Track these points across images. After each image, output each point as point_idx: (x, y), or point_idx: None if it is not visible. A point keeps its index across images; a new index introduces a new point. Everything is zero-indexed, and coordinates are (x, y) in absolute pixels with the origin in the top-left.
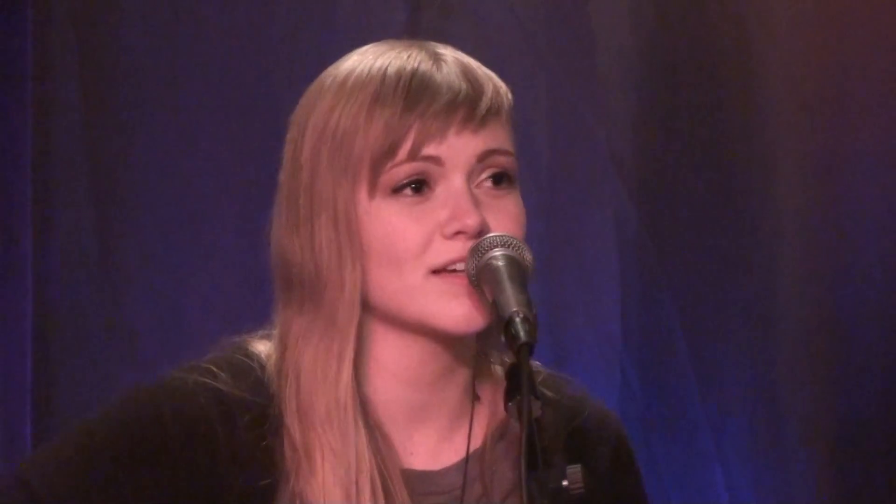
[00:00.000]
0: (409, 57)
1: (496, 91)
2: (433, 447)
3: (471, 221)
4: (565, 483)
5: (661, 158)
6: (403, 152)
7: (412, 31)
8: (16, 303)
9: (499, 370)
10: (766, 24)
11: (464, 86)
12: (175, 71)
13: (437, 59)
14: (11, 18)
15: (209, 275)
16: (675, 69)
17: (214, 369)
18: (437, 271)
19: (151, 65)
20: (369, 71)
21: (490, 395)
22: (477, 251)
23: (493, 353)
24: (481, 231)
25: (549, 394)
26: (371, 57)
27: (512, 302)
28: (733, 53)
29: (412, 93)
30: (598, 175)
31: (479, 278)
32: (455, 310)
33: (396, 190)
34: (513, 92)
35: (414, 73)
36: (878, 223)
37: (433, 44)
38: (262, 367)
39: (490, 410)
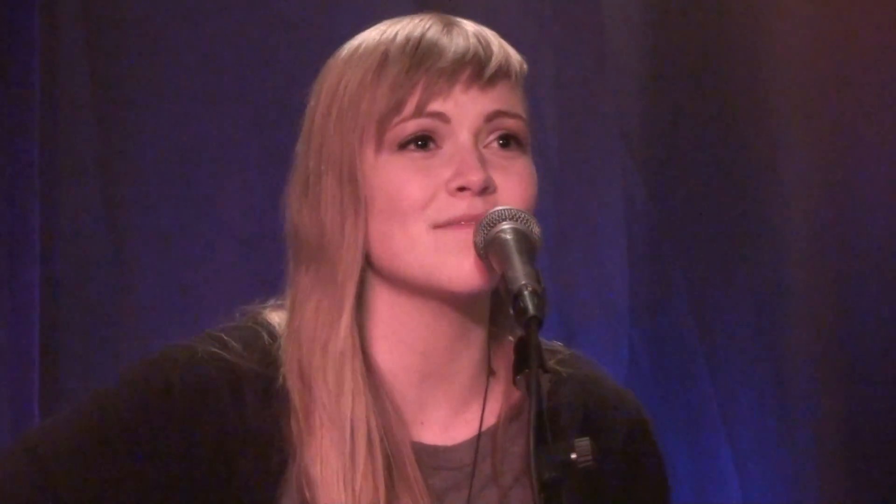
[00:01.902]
0: (420, 22)
1: (507, 55)
2: (445, 421)
3: (474, 177)
4: (574, 456)
5: (670, 135)
6: (409, 108)
7: (419, 10)
8: (23, 282)
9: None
10: (778, 4)
11: (473, 45)
12: (187, 52)
13: (448, 24)
14: (20, 4)
15: (217, 254)
16: (685, 46)
17: (226, 338)
18: (440, 226)
19: (163, 44)
20: (380, 37)
21: (506, 372)
22: (485, 224)
23: (511, 331)
24: (486, 188)
25: (565, 371)
26: (382, 27)
27: (521, 275)
28: (744, 30)
29: (420, 52)
30: (606, 151)
31: (488, 251)
32: (458, 264)
33: (403, 146)
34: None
35: (423, 35)
36: (886, 204)
37: (449, 16)
38: (274, 336)
39: (505, 388)
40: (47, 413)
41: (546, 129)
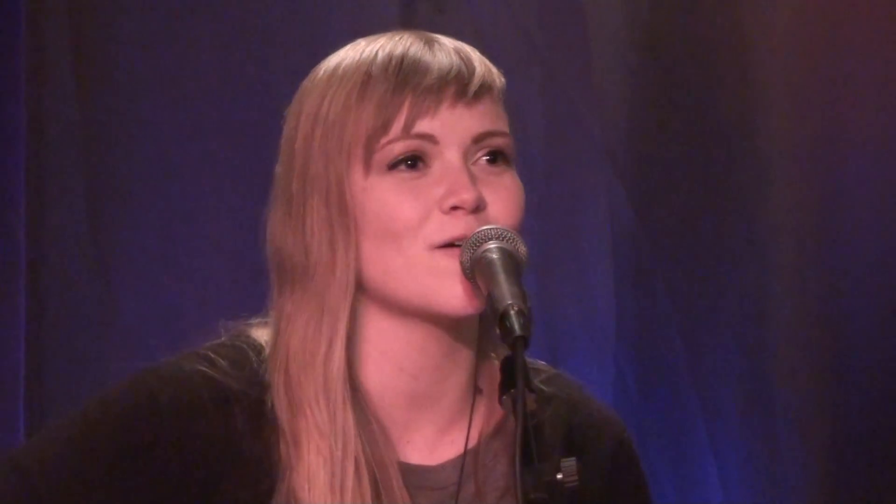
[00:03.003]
0: (399, 40)
1: (488, 70)
2: (430, 441)
3: (467, 196)
4: (559, 476)
5: (656, 152)
6: (397, 128)
7: (406, 25)
8: (9, 296)
9: (498, 366)
10: (761, 18)
11: (455, 62)
12: (171, 65)
13: (429, 41)
14: (5, 9)
15: (204, 269)
16: (670, 63)
17: (213, 356)
18: (437, 247)
19: (147, 58)
20: (360, 56)
21: (489, 390)
22: (472, 244)
23: (495, 349)
24: (478, 206)
25: (549, 390)
26: (362, 45)
27: (507, 295)
28: (728, 46)
29: (403, 70)
30: (592, 169)
31: (474, 271)
32: (454, 287)
33: (392, 167)
34: (506, 84)
35: (405, 53)
36: (873, 217)
37: (423, 32)
38: (260, 355)
39: (488, 406)
40: (32, 430)
41: (531, 146)
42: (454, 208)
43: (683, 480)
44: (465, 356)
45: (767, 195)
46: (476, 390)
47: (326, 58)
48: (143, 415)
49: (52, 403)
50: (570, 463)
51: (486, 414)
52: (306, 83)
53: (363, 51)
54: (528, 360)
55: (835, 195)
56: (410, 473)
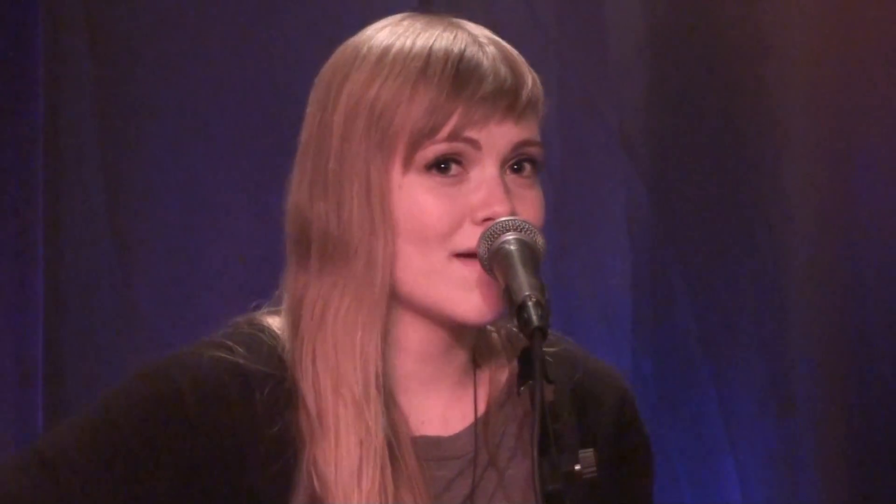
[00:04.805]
0: (454, 38)
1: (535, 82)
2: (441, 414)
3: (501, 209)
4: (577, 467)
5: (673, 143)
6: (444, 133)
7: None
8: (27, 289)
9: (496, 338)
10: (779, 8)
11: (508, 74)
12: (187, 61)
13: (478, 42)
14: (23, 8)
15: (223, 262)
16: (687, 54)
17: (230, 343)
18: (459, 255)
19: (163, 54)
20: (412, 47)
21: (489, 362)
22: (489, 235)
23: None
24: None
25: (550, 349)
26: (410, 32)
27: (525, 286)
28: (745, 37)
29: (460, 75)
30: (609, 160)
31: (492, 262)
32: (472, 300)
33: (430, 167)
34: None
35: (461, 55)
36: (891, 213)
37: (466, 23)
38: (276, 338)
39: (490, 377)
40: (51, 425)
41: (549, 139)
42: (486, 220)
43: (700, 468)
44: (468, 338)
45: (785, 187)
46: (475, 365)
47: (362, 31)
48: (166, 404)
49: (72, 397)
50: (588, 454)
51: (491, 384)
52: (346, 56)
53: (414, 41)
54: (513, 327)
55: (853, 188)
56: (428, 446)
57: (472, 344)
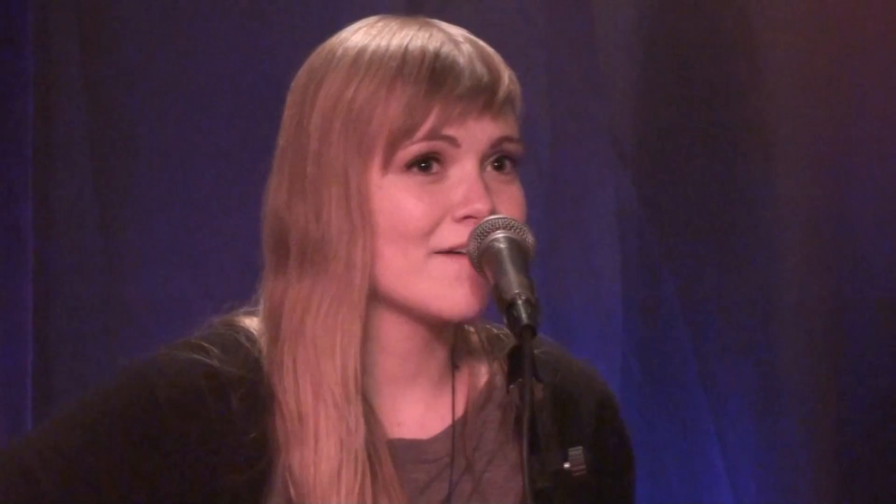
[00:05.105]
0: (429, 37)
1: (511, 78)
2: (419, 416)
3: (481, 206)
4: (567, 465)
5: (663, 143)
6: (422, 132)
7: (413, 14)
8: (17, 291)
9: (475, 339)
10: (770, 9)
11: (485, 71)
12: (177, 61)
13: (454, 41)
14: (13, 9)
15: (212, 262)
16: (678, 51)
17: (205, 345)
18: (440, 252)
19: (153, 55)
20: (388, 47)
21: (468, 363)
22: (479, 233)
23: (472, 322)
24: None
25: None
26: (385, 33)
27: (514, 284)
28: (736, 35)
29: (437, 73)
30: (599, 159)
31: (481, 260)
32: (455, 295)
33: (409, 166)
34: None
35: (437, 53)
36: (881, 213)
37: (441, 22)
38: (252, 341)
39: (469, 379)
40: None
41: (538, 137)
42: (466, 217)
43: (689, 467)
44: (447, 336)
45: (774, 186)
46: (454, 366)
47: (341, 32)
48: (142, 408)
49: (60, 398)
50: (577, 452)
51: (469, 385)
52: (321, 59)
53: (389, 41)
54: (497, 325)
55: (843, 189)
56: (405, 449)
57: (450, 342)
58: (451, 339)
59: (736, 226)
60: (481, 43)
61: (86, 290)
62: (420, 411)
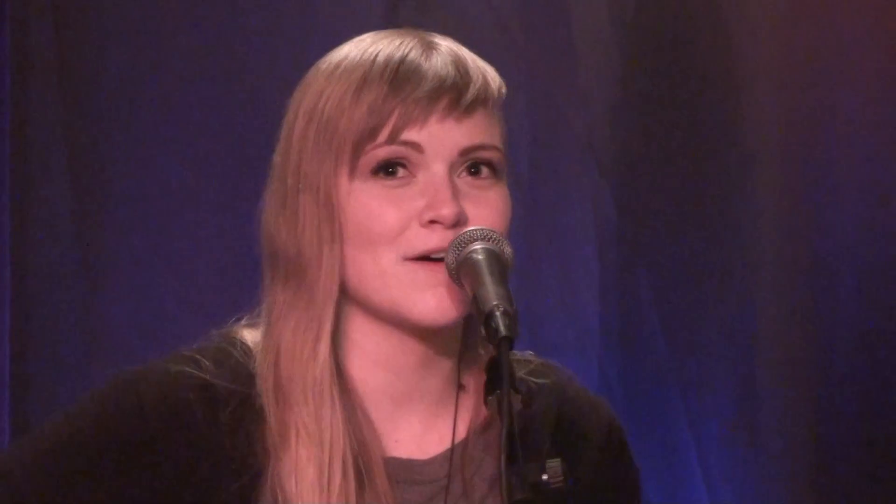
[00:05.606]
0: (400, 44)
1: (486, 82)
2: (418, 436)
3: (446, 211)
4: (545, 477)
5: (641, 152)
6: (384, 135)
7: (389, 25)
8: None
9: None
10: (746, 17)
11: (451, 74)
12: (156, 65)
13: (429, 47)
14: None
15: (191, 271)
16: (654, 62)
17: (198, 357)
18: (410, 258)
19: (132, 58)
20: (360, 56)
21: (476, 385)
22: (457, 245)
23: (484, 345)
24: (458, 221)
25: (539, 381)
26: (365, 44)
27: (492, 296)
28: (712, 46)
29: (398, 77)
30: (577, 168)
31: (459, 272)
32: (427, 300)
33: (375, 172)
34: None
35: (402, 59)
36: (856, 221)
37: (432, 34)
38: (247, 353)
39: (475, 402)
40: (18, 436)
41: (515, 146)
42: (432, 222)
43: (669, 484)
44: (446, 353)
45: (752, 194)
46: (459, 386)
47: (331, 51)
48: (129, 418)
49: (38, 408)
50: (555, 464)
51: (474, 409)
52: (310, 74)
53: (365, 50)
54: (517, 352)
55: (820, 195)
56: (400, 468)
57: (453, 364)
58: (452, 359)
59: (715, 237)
60: (463, 50)
61: (64, 301)
62: (418, 430)
